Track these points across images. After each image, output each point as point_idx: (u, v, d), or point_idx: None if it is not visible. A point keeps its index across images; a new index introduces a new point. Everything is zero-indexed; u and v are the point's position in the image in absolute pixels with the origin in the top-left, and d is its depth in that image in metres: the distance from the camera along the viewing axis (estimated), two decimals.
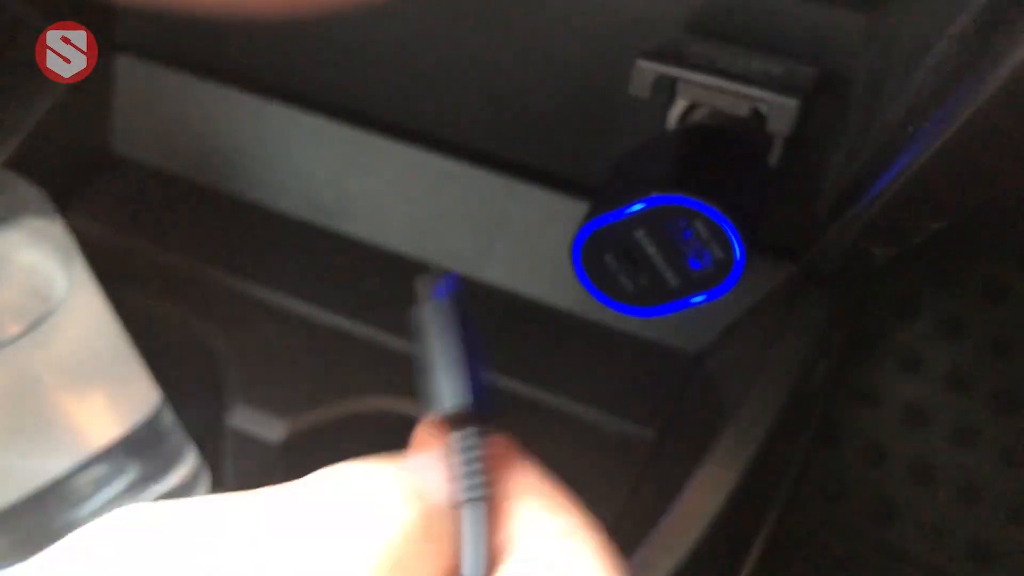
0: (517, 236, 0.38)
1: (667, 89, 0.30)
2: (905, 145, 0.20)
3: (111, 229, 0.40)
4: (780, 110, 0.28)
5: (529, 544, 0.17)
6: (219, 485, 0.35)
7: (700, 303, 0.30)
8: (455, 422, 0.18)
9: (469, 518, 0.17)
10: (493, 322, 0.38)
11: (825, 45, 0.30)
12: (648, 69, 0.29)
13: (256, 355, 0.37)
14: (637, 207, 0.29)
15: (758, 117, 0.30)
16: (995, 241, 0.55)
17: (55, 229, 0.31)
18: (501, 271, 0.39)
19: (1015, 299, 0.56)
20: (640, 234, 0.29)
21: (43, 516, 0.31)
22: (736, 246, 0.28)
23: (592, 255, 0.30)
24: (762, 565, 0.54)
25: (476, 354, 0.19)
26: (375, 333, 0.38)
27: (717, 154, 0.31)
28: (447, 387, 0.18)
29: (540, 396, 0.37)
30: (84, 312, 0.32)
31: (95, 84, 0.42)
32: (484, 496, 0.17)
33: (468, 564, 0.17)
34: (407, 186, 0.39)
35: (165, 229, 0.41)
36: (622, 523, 0.33)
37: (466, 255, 0.39)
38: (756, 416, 0.32)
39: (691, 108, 0.33)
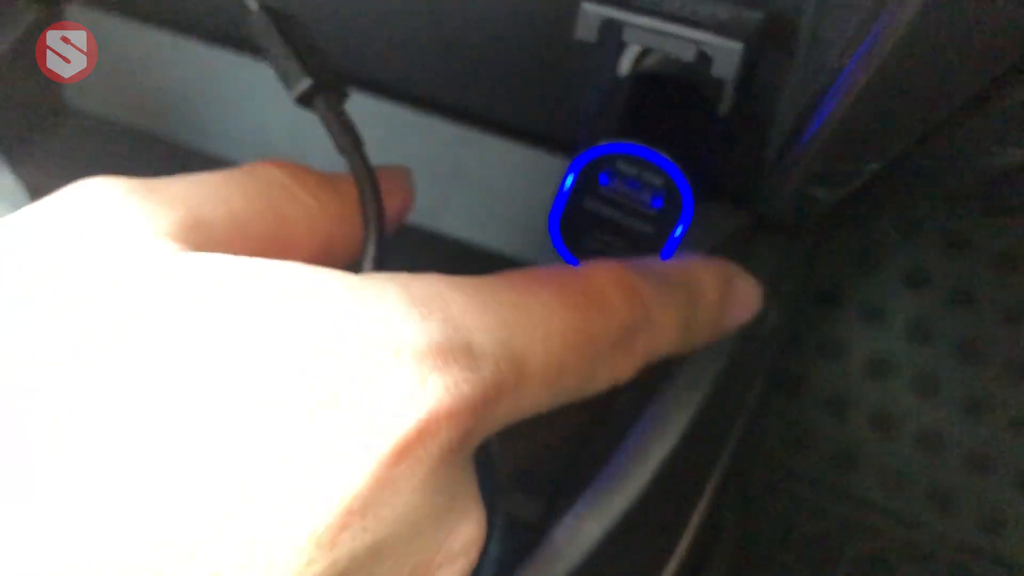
0: (473, 186, 0.38)
1: (615, 33, 0.29)
2: (833, 86, 0.20)
3: (63, 181, 0.40)
4: (724, 54, 0.27)
5: None
6: None
7: (680, 236, 0.29)
8: None
9: None
10: (449, 272, 0.38)
11: None
12: (593, 12, 0.28)
13: None
14: (568, 180, 0.28)
15: (707, 62, 0.30)
16: (957, 192, 0.55)
17: (6, 180, 0.31)
18: (457, 221, 0.38)
19: (977, 250, 0.57)
20: (592, 203, 0.28)
21: None
22: (670, 172, 0.28)
23: (572, 243, 0.29)
24: (727, 513, 0.54)
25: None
26: None
27: (662, 101, 0.30)
28: None
29: None
30: None
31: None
32: None
33: None
34: (361, 135, 0.39)
35: None
36: (574, 467, 0.33)
37: (421, 205, 0.39)
38: (704, 363, 0.32)
39: (643, 54, 0.33)
